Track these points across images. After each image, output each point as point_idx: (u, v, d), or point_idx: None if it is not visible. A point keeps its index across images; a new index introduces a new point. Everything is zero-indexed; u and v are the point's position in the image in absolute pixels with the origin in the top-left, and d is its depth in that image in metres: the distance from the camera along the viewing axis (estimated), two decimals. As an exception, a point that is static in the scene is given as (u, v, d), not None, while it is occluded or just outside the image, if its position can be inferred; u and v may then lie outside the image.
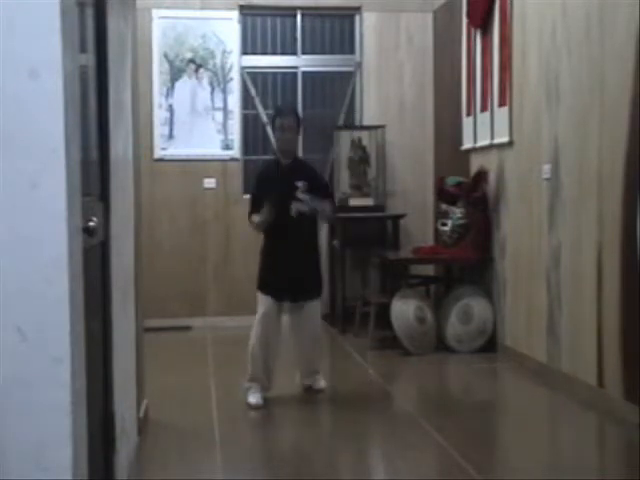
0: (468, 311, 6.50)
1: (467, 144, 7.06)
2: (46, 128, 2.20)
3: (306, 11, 8.04)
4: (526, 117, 5.92)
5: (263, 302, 5.07)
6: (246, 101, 7.98)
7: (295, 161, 5.24)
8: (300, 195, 4.97)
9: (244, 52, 7.96)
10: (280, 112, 5.26)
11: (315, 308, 5.20)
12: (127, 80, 4.01)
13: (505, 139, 6.22)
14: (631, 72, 4.51)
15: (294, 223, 5.00)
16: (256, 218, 5.06)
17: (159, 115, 7.76)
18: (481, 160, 6.75)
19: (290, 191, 4.98)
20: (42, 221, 2.21)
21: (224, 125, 7.89)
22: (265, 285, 5.10)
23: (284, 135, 5.10)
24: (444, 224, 6.83)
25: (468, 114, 7.04)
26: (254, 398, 5.02)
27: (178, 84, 7.81)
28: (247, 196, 7.87)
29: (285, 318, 5.24)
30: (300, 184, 4.98)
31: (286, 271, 5.04)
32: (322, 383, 5.38)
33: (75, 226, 2.34)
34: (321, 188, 5.16)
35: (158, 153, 7.75)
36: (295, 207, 4.98)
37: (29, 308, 2.21)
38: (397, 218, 7.74)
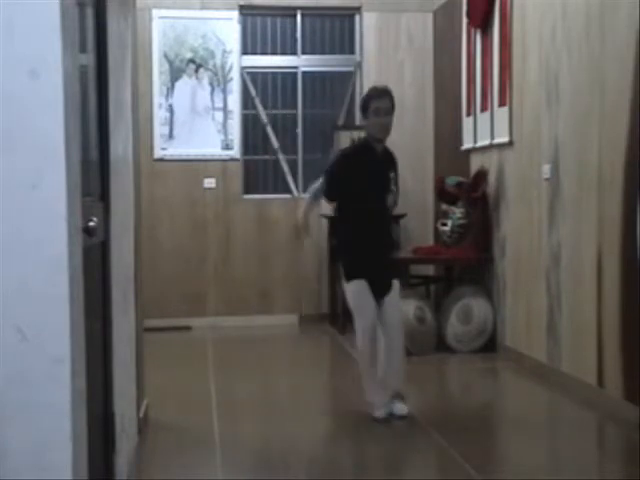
0: (468, 311, 6.50)
1: (467, 144, 7.06)
2: (46, 128, 2.20)
3: (306, 11, 8.05)
4: (526, 117, 5.92)
5: (359, 290, 4.71)
6: (246, 101, 7.98)
7: (386, 148, 4.88)
8: (393, 187, 4.82)
9: (244, 52, 7.96)
10: (375, 94, 4.82)
11: (396, 299, 4.86)
12: (127, 80, 4.01)
13: (505, 139, 6.22)
14: (631, 72, 4.51)
15: (385, 214, 4.86)
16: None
17: (159, 115, 7.76)
18: (481, 160, 6.75)
19: (384, 179, 4.78)
20: (42, 221, 2.21)
21: (224, 125, 7.89)
22: (358, 271, 4.73)
23: (380, 119, 4.70)
24: (444, 224, 6.84)
25: (468, 114, 7.03)
26: (379, 412, 4.68)
27: (178, 84, 7.81)
28: (248, 196, 7.96)
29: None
30: (392, 175, 4.82)
31: (374, 261, 4.77)
32: (404, 408, 4.78)
33: (75, 226, 2.34)
34: (397, 180, 4.93)
35: (158, 153, 7.75)
36: (390, 199, 4.81)
37: (29, 308, 2.21)
38: (397, 218, 7.74)
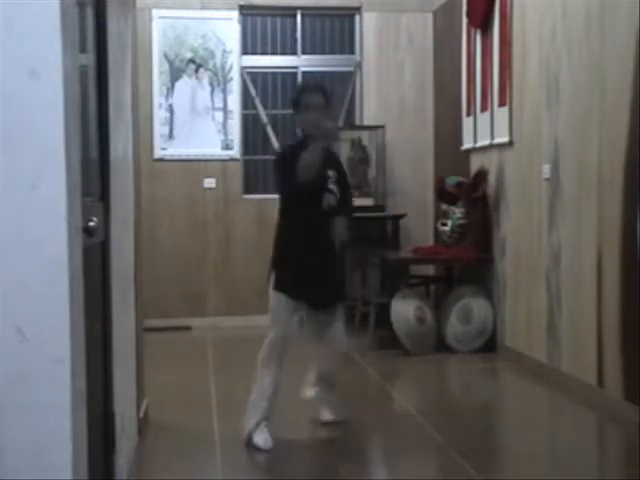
0: (468, 311, 6.50)
1: (467, 144, 7.06)
2: (46, 128, 2.20)
3: (306, 11, 8.04)
4: (526, 117, 5.92)
5: (279, 301, 4.46)
6: (246, 101, 7.98)
7: (324, 145, 4.40)
8: (332, 186, 4.40)
9: (244, 52, 7.96)
10: (305, 89, 4.52)
11: (341, 330, 4.57)
12: (127, 80, 4.01)
13: (505, 139, 6.22)
14: (631, 72, 4.51)
15: (322, 217, 4.38)
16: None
17: (159, 115, 7.76)
18: (481, 160, 6.75)
19: (320, 179, 4.31)
20: (42, 221, 2.21)
21: (224, 125, 7.89)
22: (283, 284, 4.45)
23: (310, 115, 4.31)
24: (444, 224, 6.84)
25: (468, 114, 7.03)
26: (262, 438, 4.28)
27: (178, 84, 7.81)
28: (248, 196, 7.96)
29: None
30: (331, 173, 4.40)
31: (307, 271, 4.40)
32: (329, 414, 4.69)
33: (75, 226, 2.34)
34: (345, 180, 4.56)
35: (158, 153, 7.75)
36: (327, 199, 4.38)
37: (29, 308, 2.21)
38: (397, 218, 7.74)
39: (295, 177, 4.17)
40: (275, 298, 4.45)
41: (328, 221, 4.40)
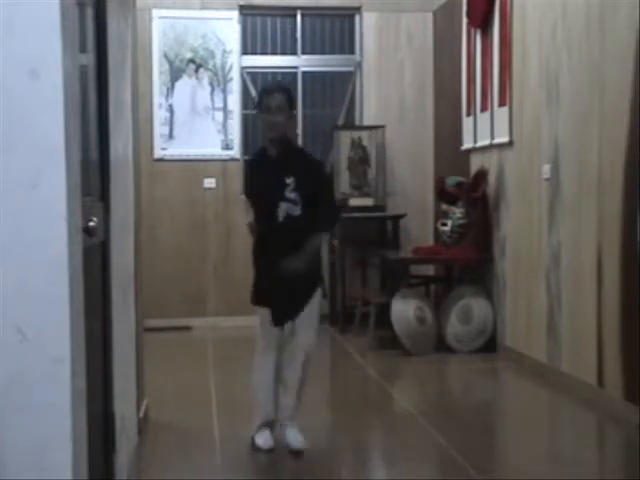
0: (468, 311, 6.50)
1: (467, 144, 7.06)
2: (46, 128, 2.20)
3: (306, 11, 8.04)
4: (526, 117, 5.92)
5: (262, 320, 4.25)
6: (246, 101, 7.97)
7: (286, 150, 4.19)
8: (290, 194, 4.07)
9: (244, 52, 7.96)
10: (266, 91, 4.28)
11: (308, 317, 4.22)
12: (127, 80, 4.01)
13: (505, 139, 6.22)
14: (631, 72, 4.51)
15: (283, 229, 4.10)
16: (246, 214, 4.38)
17: (159, 115, 7.76)
18: (481, 160, 6.75)
19: (278, 188, 4.09)
20: (42, 221, 2.21)
21: (224, 125, 7.89)
22: (259, 299, 4.24)
23: (269, 117, 4.10)
24: (444, 224, 6.83)
25: (468, 114, 7.03)
26: (262, 438, 4.23)
27: (178, 84, 7.81)
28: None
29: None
30: (290, 180, 4.07)
31: (269, 288, 4.17)
32: (300, 440, 4.22)
33: (75, 226, 2.34)
34: (321, 187, 4.21)
35: (158, 153, 7.75)
36: (283, 209, 4.07)
37: (29, 308, 2.21)
38: (397, 218, 7.74)
39: (256, 191, 4.23)
40: (258, 313, 4.28)
41: (290, 232, 4.08)
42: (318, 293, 4.24)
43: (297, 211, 4.09)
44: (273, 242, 4.14)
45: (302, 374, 4.22)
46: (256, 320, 4.29)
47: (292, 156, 4.22)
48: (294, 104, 4.31)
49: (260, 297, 4.22)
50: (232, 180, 7.88)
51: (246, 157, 7.92)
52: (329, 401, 5.45)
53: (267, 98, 4.14)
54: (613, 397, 4.72)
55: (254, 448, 4.21)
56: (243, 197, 4.55)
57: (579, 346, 5.15)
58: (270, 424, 4.26)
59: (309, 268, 4.12)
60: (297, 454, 4.14)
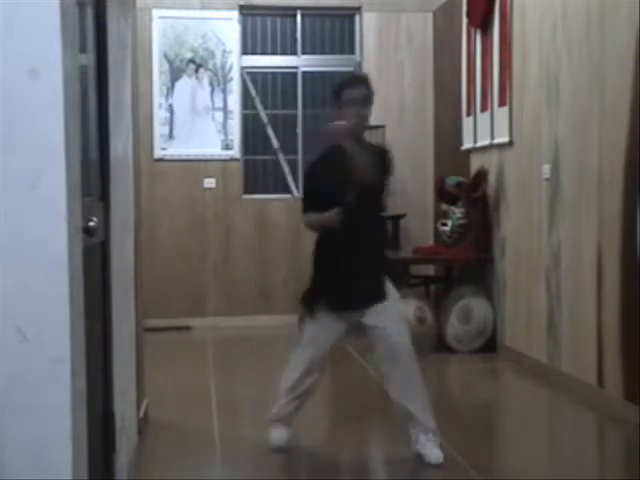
0: (468, 311, 6.50)
1: (467, 144, 7.06)
2: (46, 128, 2.20)
3: (306, 11, 8.04)
4: (526, 117, 5.92)
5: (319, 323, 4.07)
6: (246, 101, 7.98)
7: (368, 144, 4.12)
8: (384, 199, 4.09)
9: (244, 52, 7.96)
10: (348, 82, 4.04)
11: (388, 310, 4.03)
12: (127, 80, 4.01)
13: (505, 139, 6.22)
14: (631, 72, 4.51)
15: (362, 228, 3.96)
16: (314, 217, 4.04)
17: (159, 115, 7.76)
18: (481, 160, 6.75)
19: (374, 190, 3.97)
20: (42, 221, 2.21)
21: (224, 125, 7.89)
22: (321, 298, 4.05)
23: (354, 110, 3.92)
24: (444, 224, 6.84)
25: (468, 114, 7.03)
26: (277, 435, 4.16)
27: (178, 84, 7.81)
28: (248, 196, 7.96)
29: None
30: (386, 181, 4.10)
31: (353, 282, 3.98)
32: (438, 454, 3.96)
33: (75, 226, 2.34)
34: (386, 179, 4.11)
35: (158, 153, 7.75)
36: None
37: (29, 308, 2.21)
38: (397, 218, 7.74)
39: (331, 190, 3.89)
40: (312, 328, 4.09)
41: (366, 229, 4.00)
42: (393, 293, 4.05)
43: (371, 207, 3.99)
44: (349, 241, 3.94)
45: (416, 375, 3.97)
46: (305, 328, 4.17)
47: (373, 151, 4.10)
48: (373, 96, 4.09)
49: (319, 290, 4.05)
50: (232, 180, 7.88)
51: (247, 158, 7.93)
52: (329, 401, 5.45)
53: (350, 90, 3.95)
54: (613, 397, 4.72)
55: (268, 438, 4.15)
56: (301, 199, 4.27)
57: (579, 346, 5.15)
58: (284, 422, 4.17)
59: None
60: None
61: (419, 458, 3.98)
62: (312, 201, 4.05)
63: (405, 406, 3.97)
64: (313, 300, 4.08)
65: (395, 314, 4.04)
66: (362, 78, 4.11)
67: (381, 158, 4.09)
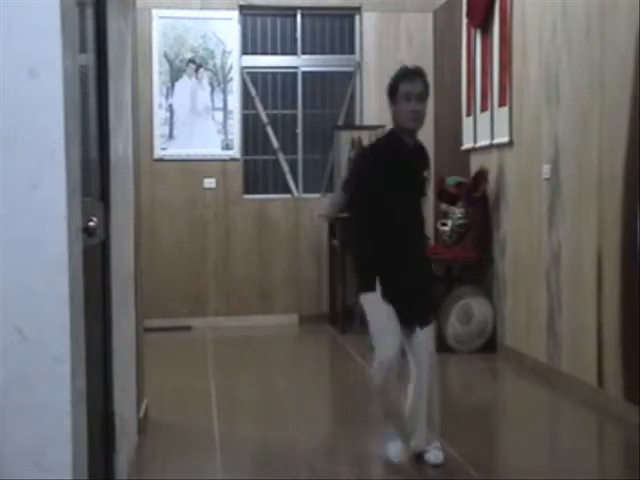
0: (468, 311, 6.50)
1: (467, 144, 7.06)
2: (46, 128, 2.20)
3: (306, 11, 8.04)
4: (526, 117, 5.92)
5: (379, 310, 3.88)
6: (246, 101, 7.98)
7: (418, 141, 4.00)
8: (428, 190, 4.01)
9: (244, 52, 7.96)
10: (405, 75, 3.89)
11: (429, 334, 4.02)
12: (127, 80, 4.01)
13: (505, 139, 6.22)
14: (631, 72, 4.51)
15: (418, 224, 3.97)
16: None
17: (159, 115, 7.76)
18: (481, 160, 6.75)
19: (418, 179, 3.93)
20: (42, 221, 2.21)
21: (224, 125, 7.88)
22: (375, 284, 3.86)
23: (411, 105, 3.80)
24: (444, 224, 6.84)
25: (468, 114, 7.04)
26: (394, 452, 4.02)
27: (178, 84, 7.81)
28: (248, 196, 7.96)
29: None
30: (426, 174, 4.00)
31: (402, 283, 3.88)
32: (439, 455, 3.99)
33: (75, 226, 2.34)
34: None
35: (158, 153, 7.75)
36: (424, 204, 4.00)
37: (29, 308, 2.21)
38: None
39: (393, 184, 3.81)
40: (372, 304, 3.88)
41: (422, 226, 4.01)
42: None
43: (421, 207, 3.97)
44: (412, 238, 3.92)
45: (431, 380, 4.00)
46: (368, 311, 3.91)
47: (421, 150, 4.03)
48: (429, 90, 3.98)
49: (382, 284, 3.84)
50: (232, 180, 7.88)
51: (247, 158, 7.93)
52: (329, 401, 5.45)
53: (408, 84, 3.83)
54: (613, 397, 4.72)
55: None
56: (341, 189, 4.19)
57: (579, 346, 5.15)
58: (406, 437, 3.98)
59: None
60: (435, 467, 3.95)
61: (419, 458, 3.98)
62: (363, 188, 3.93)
63: (418, 406, 4.00)
64: (371, 274, 3.89)
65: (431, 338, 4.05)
66: (419, 71, 3.95)
67: (425, 156, 4.09)
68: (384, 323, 3.86)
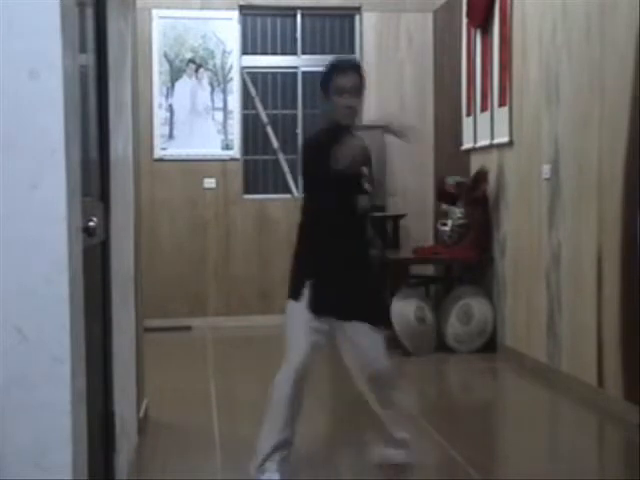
0: (468, 311, 6.50)
1: (467, 144, 7.06)
2: (46, 128, 2.20)
3: (306, 11, 8.04)
4: (526, 117, 5.92)
5: (295, 314, 3.63)
6: (246, 101, 7.98)
7: (357, 137, 3.67)
8: (367, 187, 3.68)
9: (244, 52, 7.96)
10: (338, 68, 3.62)
11: (372, 333, 3.69)
12: (127, 80, 4.01)
13: (505, 139, 6.21)
14: (631, 72, 4.51)
15: (353, 223, 3.67)
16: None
17: (159, 115, 7.76)
18: (481, 160, 6.75)
19: (351, 178, 3.58)
20: (42, 221, 2.20)
21: (224, 125, 7.88)
22: (300, 293, 3.59)
23: (344, 100, 3.54)
24: (444, 224, 6.83)
25: (468, 114, 7.03)
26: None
27: (178, 84, 7.81)
28: (248, 196, 7.96)
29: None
30: (366, 171, 3.66)
31: (337, 285, 3.60)
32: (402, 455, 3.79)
33: (75, 226, 2.34)
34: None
35: (158, 153, 7.75)
36: (362, 202, 3.65)
37: (29, 308, 2.21)
38: (397, 218, 7.74)
39: (324, 180, 3.52)
40: (292, 312, 3.63)
41: (360, 227, 3.69)
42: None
43: (368, 205, 3.65)
44: (345, 236, 3.62)
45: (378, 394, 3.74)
46: (287, 318, 3.67)
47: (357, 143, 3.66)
48: (365, 83, 3.67)
49: (302, 280, 3.59)
50: (232, 180, 7.88)
51: (247, 158, 7.93)
52: (329, 401, 5.44)
53: (340, 77, 3.56)
54: (613, 397, 4.72)
55: None
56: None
57: (579, 346, 5.15)
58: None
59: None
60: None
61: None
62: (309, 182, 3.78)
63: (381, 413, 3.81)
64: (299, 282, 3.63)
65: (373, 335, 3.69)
66: (353, 63, 3.74)
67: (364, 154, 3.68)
68: (298, 333, 3.59)
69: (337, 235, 3.62)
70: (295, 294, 3.59)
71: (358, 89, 3.59)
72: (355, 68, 3.65)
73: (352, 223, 3.66)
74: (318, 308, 3.55)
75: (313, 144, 3.77)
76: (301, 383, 3.64)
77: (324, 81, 3.64)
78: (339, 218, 3.63)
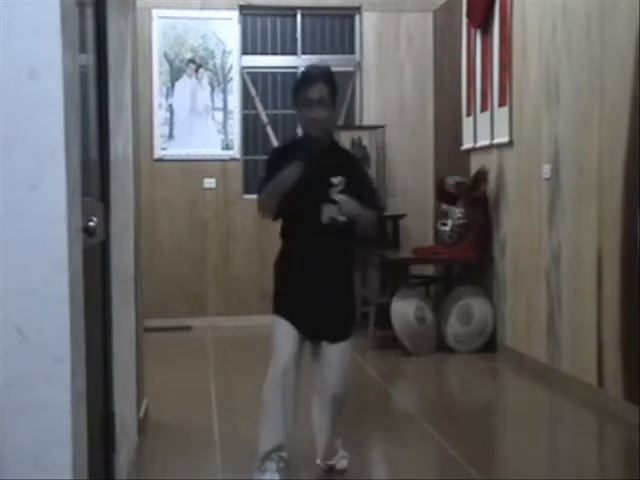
0: (468, 311, 6.50)
1: (467, 144, 7.06)
2: (46, 128, 2.20)
3: (306, 11, 8.04)
4: (526, 117, 5.92)
5: (278, 326, 3.77)
6: (246, 101, 7.98)
7: (330, 147, 3.65)
8: (336, 196, 3.54)
9: (244, 52, 7.96)
10: (306, 78, 3.56)
11: (341, 352, 3.71)
12: (127, 80, 4.01)
13: (505, 139, 6.22)
14: (631, 72, 4.51)
15: (323, 233, 3.58)
16: (271, 184, 3.59)
17: (159, 115, 7.76)
18: (481, 160, 6.75)
19: (320, 188, 3.51)
20: (42, 221, 2.20)
21: (224, 125, 7.89)
22: (282, 309, 3.75)
23: (311, 112, 3.49)
24: (444, 224, 6.84)
25: (468, 114, 7.03)
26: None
27: (178, 84, 7.81)
28: (248, 196, 7.95)
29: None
30: (336, 180, 3.53)
31: (307, 298, 3.65)
32: (344, 462, 3.89)
33: (75, 226, 2.34)
34: (364, 190, 3.64)
35: (158, 153, 7.75)
36: (328, 212, 3.56)
37: (29, 308, 2.21)
38: (397, 218, 7.74)
39: (291, 191, 3.50)
40: (274, 322, 3.76)
41: (330, 237, 3.59)
42: (347, 343, 3.72)
43: (338, 214, 3.54)
44: (310, 248, 3.61)
45: (333, 413, 3.78)
46: (273, 328, 3.80)
47: (337, 154, 3.70)
48: (337, 91, 3.61)
49: (285, 305, 3.72)
50: (232, 180, 7.88)
51: (247, 158, 7.92)
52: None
53: (306, 89, 3.50)
54: (613, 397, 4.72)
55: None
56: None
57: (579, 346, 5.15)
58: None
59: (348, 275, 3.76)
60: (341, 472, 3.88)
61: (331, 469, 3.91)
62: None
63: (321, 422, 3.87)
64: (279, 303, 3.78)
65: (344, 357, 3.74)
66: (320, 74, 3.58)
67: (353, 170, 3.70)
68: (283, 336, 3.73)
69: (305, 246, 3.63)
70: (277, 309, 3.77)
71: (326, 100, 3.52)
72: (324, 78, 3.55)
73: (320, 233, 3.58)
74: (296, 325, 3.64)
75: (283, 152, 3.76)
76: (289, 382, 3.66)
77: (292, 92, 3.62)
78: (305, 228, 3.62)
